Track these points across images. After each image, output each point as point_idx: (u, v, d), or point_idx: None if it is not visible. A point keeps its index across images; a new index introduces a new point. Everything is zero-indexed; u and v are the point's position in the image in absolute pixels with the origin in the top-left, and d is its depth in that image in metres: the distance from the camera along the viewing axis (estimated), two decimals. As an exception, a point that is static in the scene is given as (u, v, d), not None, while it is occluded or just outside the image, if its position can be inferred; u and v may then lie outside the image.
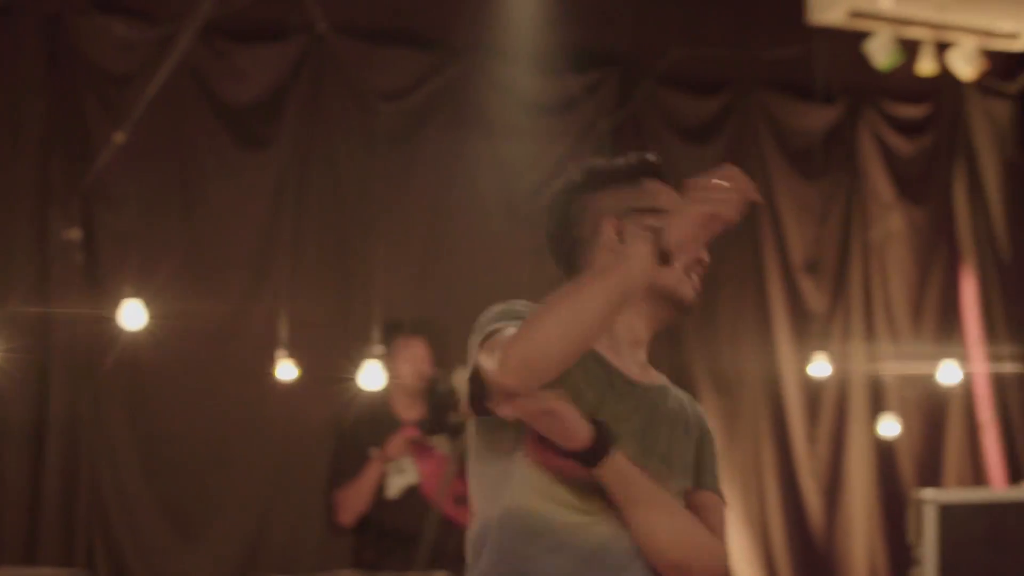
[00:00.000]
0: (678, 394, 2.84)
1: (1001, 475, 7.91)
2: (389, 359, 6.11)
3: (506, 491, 2.62)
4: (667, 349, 7.39)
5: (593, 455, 2.56)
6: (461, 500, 5.84)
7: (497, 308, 2.66)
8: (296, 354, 6.47)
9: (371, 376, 6.15)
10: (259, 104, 6.79)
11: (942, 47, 7.43)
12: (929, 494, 6.77)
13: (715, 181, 2.51)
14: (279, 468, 6.68)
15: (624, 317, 2.69)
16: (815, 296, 7.84)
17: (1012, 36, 7.55)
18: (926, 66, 7.43)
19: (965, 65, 7.45)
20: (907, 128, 8.14)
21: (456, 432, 5.74)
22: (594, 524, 2.61)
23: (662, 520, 2.62)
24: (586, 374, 2.63)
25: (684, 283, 2.74)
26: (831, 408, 7.83)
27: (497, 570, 2.61)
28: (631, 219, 2.74)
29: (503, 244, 7.09)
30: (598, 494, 2.60)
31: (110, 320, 6.08)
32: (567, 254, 2.82)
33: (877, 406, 7.82)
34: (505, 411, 2.54)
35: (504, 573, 2.61)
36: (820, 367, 7.63)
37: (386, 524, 5.81)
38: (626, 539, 2.62)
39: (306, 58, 6.85)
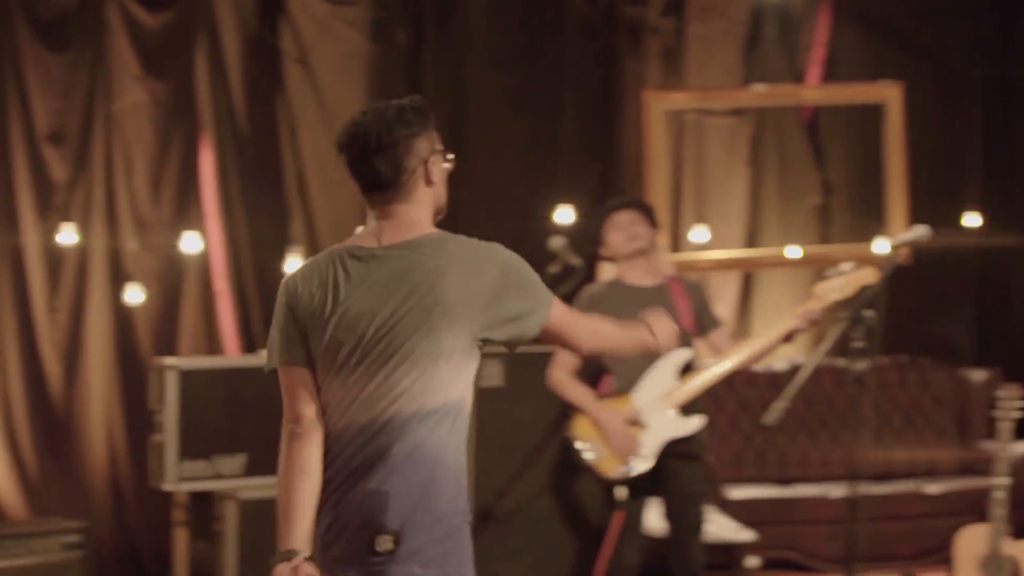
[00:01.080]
0: None
1: (235, 343, 8.21)
2: None
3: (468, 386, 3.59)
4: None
5: None
6: None
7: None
8: None
9: None
10: None
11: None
12: (170, 361, 7.10)
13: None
14: None
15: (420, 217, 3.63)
16: (59, 167, 7.83)
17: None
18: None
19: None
20: (152, 2, 8.16)
21: None
22: None
23: None
24: None
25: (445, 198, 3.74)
26: (72, 277, 7.86)
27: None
28: (436, 160, 3.65)
29: None
30: None
31: None
32: (390, 177, 3.59)
33: (119, 275, 7.91)
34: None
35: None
36: (63, 237, 7.70)
37: None
38: None
39: None
